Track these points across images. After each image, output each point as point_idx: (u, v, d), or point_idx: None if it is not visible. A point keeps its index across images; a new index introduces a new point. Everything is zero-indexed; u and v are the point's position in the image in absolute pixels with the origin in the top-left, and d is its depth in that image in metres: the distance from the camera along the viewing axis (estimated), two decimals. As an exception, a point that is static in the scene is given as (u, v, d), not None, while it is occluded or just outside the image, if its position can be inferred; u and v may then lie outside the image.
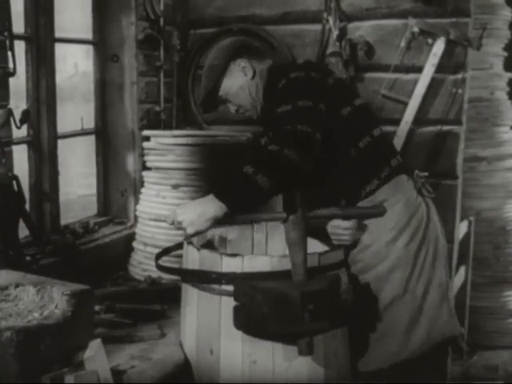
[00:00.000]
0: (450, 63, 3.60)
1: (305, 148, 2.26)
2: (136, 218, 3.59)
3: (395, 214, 2.47)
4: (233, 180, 2.28)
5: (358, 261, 2.49)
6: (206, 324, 2.32)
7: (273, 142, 2.28)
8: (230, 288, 2.22)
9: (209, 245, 2.64)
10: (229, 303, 2.22)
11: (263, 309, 2.12)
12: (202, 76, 2.72)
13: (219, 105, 2.74)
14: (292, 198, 2.24)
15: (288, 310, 2.10)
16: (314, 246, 2.50)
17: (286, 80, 2.42)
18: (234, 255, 2.28)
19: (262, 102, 2.62)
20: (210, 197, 2.26)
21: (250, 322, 2.18)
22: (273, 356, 2.24)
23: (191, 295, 2.38)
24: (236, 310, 2.19)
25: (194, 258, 2.36)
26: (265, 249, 2.76)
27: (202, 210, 2.24)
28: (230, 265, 2.25)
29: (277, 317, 2.12)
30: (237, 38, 2.88)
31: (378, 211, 2.45)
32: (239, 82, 2.62)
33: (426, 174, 2.63)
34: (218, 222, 2.26)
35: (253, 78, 2.61)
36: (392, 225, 2.47)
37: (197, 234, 2.31)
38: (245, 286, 2.18)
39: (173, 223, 2.31)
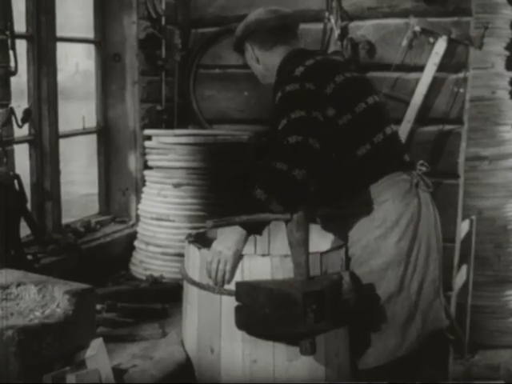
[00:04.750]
0: (452, 62, 3.60)
1: (294, 157, 2.29)
2: (138, 216, 3.59)
3: (382, 212, 2.48)
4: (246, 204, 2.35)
5: (350, 255, 2.51)
6: (206, 323, 2.32)
7: (270, 157, 2.36)
8: (231, 287, 2.22)
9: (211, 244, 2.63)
10: (229, 302, 2.22)
11: (265, 309, 2.12)
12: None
13: None
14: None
15: (291, 311, 2.10)
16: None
17: (282, 93, 2.45)
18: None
19: (272, 90, 2.63)
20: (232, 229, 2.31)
21: (252, 322, 2.18)
22: (273, 355, 2.24)
23: (192, 294, 2.38)
24: (238, 310, 2.19)
25: (195, 257, 2.37)
26: (267, 248, 2.76)
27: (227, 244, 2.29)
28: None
29: (279, 317, 2.12)
30: (269, 16, 2.67)
31: (368, 209, 2.49)
32: (249, 60, 2.76)
33: (425, 169, 2.60)
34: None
35: (257, 63, 2.71)
36: (379, 223, 2.48)
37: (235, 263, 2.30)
38: (247, 286, 2.18)
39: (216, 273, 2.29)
